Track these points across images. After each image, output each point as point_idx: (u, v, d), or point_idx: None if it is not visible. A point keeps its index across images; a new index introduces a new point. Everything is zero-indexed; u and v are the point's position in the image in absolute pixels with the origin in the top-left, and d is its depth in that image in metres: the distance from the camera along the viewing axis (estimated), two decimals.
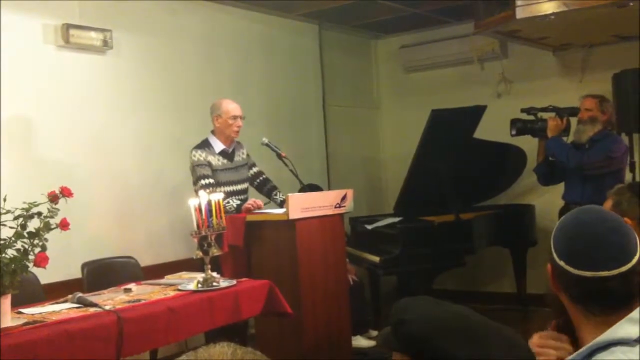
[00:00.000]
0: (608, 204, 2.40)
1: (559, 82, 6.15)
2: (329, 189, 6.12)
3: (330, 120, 6.64)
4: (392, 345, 1.16)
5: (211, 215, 3.52)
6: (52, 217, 2.83)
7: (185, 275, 3.94)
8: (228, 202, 4.29)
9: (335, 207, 4.35)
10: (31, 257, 2.77)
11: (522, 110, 5.19)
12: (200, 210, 3.47)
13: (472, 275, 6.40)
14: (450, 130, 5.26)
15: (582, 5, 4.48)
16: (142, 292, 3.49)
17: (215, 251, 3.55)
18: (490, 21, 5.01)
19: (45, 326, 2.79)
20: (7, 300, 2.73)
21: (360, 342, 5.21)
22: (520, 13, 4.61)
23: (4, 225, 2.74)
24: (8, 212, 2.73)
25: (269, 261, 4.20)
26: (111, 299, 3.30)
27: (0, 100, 4.04)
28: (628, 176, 4.97)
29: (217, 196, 3.62)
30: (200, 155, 4.42)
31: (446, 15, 6.37)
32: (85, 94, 4.53)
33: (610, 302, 1.40)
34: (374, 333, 5.47)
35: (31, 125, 4.25)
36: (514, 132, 5.25)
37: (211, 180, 4.37)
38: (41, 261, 2.77)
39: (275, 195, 4.74)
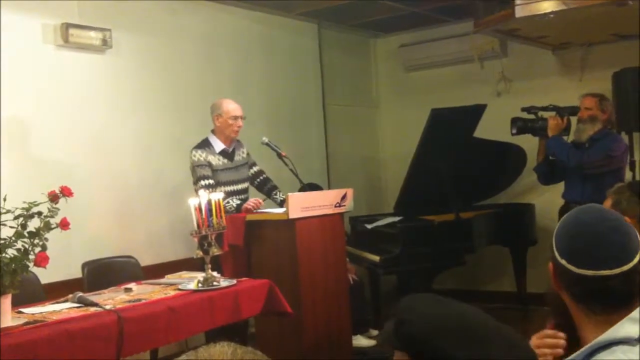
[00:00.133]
0: (608, 203, 2.41)
1: (558, 81, 6.15)
2: (329, 188, 6.12)
3: (330, 119, 6.64)
4: (393, 344, 1.16)
5: (211, 215, 3.52)
6: (52, 216, 2.83)
7: (185, 274, 3.94)
8: (228, 202, 4.29)
9: (335, 207, 4.36)
10: (31, 256, 2.77)
11: (523, 109, 5.19)
12: (200, 209, 3.48)
13: (472, 274, 6.40)
14: (450, 129, 5.26)
15: (582, 4, 4.48)
16: (142, 291, 3.49)
17: (215, 250, 3.55)
18: (490, 20, 5.02)
19: (46, 326, 2.79)
20: (7, 300, 2.74)
21: (360, 341, 5.22)
22: (519, 12, 4.61)
23: (4, 225, 2.74)
24: (8, 211, 2.73)
25: (269, 261, 4.20)
26: (111, 299, 3.30)
27: (0, 99, 4.04)
28: (628, 175, 4.97)
29: (217, 195, 3.62)
30: (200, 156, 4.42)
31: (445, 14, 6.37)
32: (84, 94, 4.53)
33: (611, 301, 1.40)
34: (374, 332, 5.48)
35: (31, 125, 4.24)
36: (514, 131, 5.24)
37: (211, 181, 4.37)
38: (41, 261, 2.77)
39: (275, 194, 4.74)
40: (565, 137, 4.97)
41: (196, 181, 4.41)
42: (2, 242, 2.73)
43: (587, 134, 4.77)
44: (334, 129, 6.67)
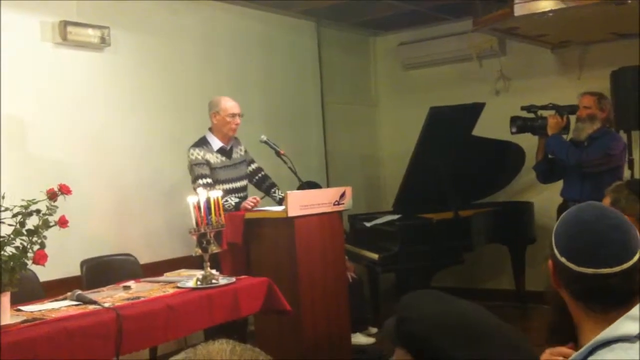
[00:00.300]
0: (606, 201, 2.41)
1: (557, 80, 6.15)
2: (328, 186, 6.12)
3: (329, 117, 6.64)
4: (394, 340, 1.17)
5: (210, 213, 3.52)
6: (51, 214, 2.83)
7: (184, 272, 3.94)
8: (227, 201, 4.28)
9: (334, 205, 4.36)
10: (30, 254, 2.77)
11: (522, 108, 5.18)
12: (199, 207, 3.48)
13: (471, 273, 6.41)
14: (449, 127, 5.26)
15: (581, 3, 4.48)
16: (141, 289, 3.49)
17: (214, 248, 3.55)
18: (489, 18, 5.02)
19: (45, 324, 2.79)
20: (6, 298, 2.74)
21: (359, 339, 5.22)
22: (518, 10, 4.61)
23: (3, 222, 2.74)
24: (7, 209, 2.72)
25: (268, 259, 4.20)
26: (110, 297, 3.30)
27: None
28: (626, 173, 4.97)
29: (216, 193, 3.62)
30: (198, 154, 4.41)
31: (444, 12, 6.37)
32: (83, 92, 4.53)
33: (611, 300, 1.39)
34: (373, 330, 5.48)
35: (29, 123, 4.24)
36: (514, 130, 5.23)
37: (209, 180, 4.37)
38: (40, 259, 2.77)
39: (274, 192, 4.74)
40: (564, 136, 4.98)
41: (194, 180, 4.40)
42: (0, 239, 2.72)
43: (586, 132, 4.77)
44: (332, 127, 6.67)
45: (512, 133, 5.27)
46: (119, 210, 4.72)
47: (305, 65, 6.43)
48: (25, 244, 2.76)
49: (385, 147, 7.30)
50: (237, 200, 4.41)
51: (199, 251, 3.51)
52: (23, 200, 2.78)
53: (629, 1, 4.33)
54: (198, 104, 5.00)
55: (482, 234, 5.37)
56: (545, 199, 5.75)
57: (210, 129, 4.55)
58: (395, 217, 5.43)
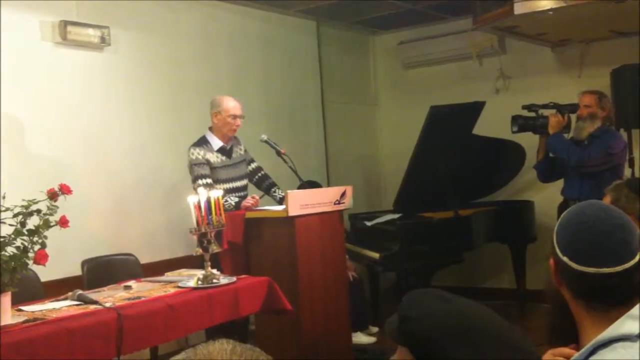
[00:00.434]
0: (606, 201, 2.40)
1: (557, 78, 6.15)
2: (328, 185, 6.12)
3: (329, 116, 6.64)
4: (395, 339, 1.17)
5: (210, 212, 3.52)
6: (51, 214, 2.83)
7: (185, 272, 3.94)
8: (226, 201, 4.28)
9: (335, 204, 4.35)
10: (31, 254, 2.77)
11: (523, 107, 5.17)
12: (199, 207, 3.48)
13: (471, 272, 6.41)
14: (449, 126, 5.25)
15: (581, 1, 4.48)
16: (142, 289, 3.49)
17: (215, 248, 3.54)
18: (489, 17, 5.02)
19: (46, 324, 2.79)
20: (7, 298, 2.74)
21: (359, 338, 5.22)
22: (518, 9, 4.61)
23: (4, 222, 2.74)
24: (7, 209, 2.72)
25: (268, 258, 4.19)
26: (111, 296, 3.30)
27: None
28: (627, 172, 4.97)
29: (217, 193, 3.62)
30: (198, 154, 4.40)
31: (444, 11, 6.37)
32: (83, 91, 4.53)
33: (612, 299, 1.39)
34: (374, 330, 5.49)
35: (28, 123, 4.24)
36: (515, 129, 5.22)
37: (209, 180, 4.36)
38: (41, 258, 2.77)
39: (274, 192, 4.73)
40: (565, 135, 4.97)
41: (194, 180, 4.39)
42: (1, 240, 2.72)
43: (587, 131, 4.76)
44: (332, 126, 6.67)
45: (513, 132, 5.26)
46: (120, 210, 4.73)
47: (305, 65, 6.43)
48: (26, 244, 2.76)
49: (385, 146, 7.30)
50: (237, 199, 4.41)
51: (199, 251, 3.51)
52: (23, 200, 2.78)
53: None
54: (198, 104, 5.00)
55: (482, 233, 5.37)
56: (546, 198, 5.75)
57: (211, 128, 4.54)
58: (396, 216, 5.44)
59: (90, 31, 4.50)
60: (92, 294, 3.31)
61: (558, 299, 1.50)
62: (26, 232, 2.76)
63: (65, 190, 2.91)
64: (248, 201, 4.35)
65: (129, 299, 3.24)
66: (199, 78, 5.29)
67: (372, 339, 5.34)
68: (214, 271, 3.57)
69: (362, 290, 5.63)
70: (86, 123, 4.54)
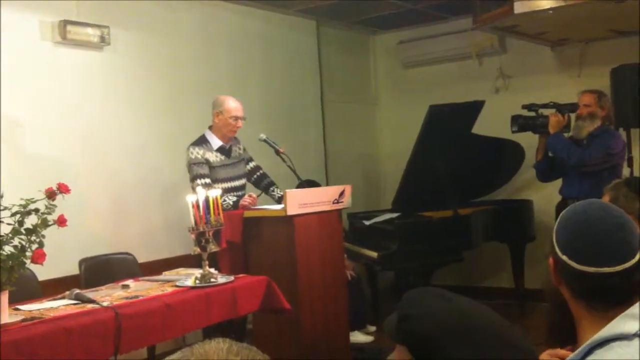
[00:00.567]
0: (605, 200, 2.40)
1: (557, 78, 6.15)
2: (327, 184, 6.12)
3: (329, 116, 6.64)
4: (394, 337, 1.16)
5: (209, 212, 3.51)
6: (49, 213, 2.82)
7: (183, 271, 3.94)
8: (225, 200, 4.27)
9: (334, 203, 4.35)
10: (28, 253, 2.76)
11: (523, 107, 5.17)
12: (198, 206, 3.47)
13: (470, 271, 6.41)
14: (448, 125, 5.25)
15: (580, 1, 4.48)
16: (139, 288, 3.48)
17: (213, 247, 3.54)
18: (489, 16, 5.01)
19: (43, 323, 2.79)
20: (4, 297, 2.73)
21: (358, 337, 5.22)
22: (518, 8, 4.61)
23: (2, 221, 2.73)
24: (5, 208, 2.72)
25: (267, 257, 4.19)
26: (109, 296, 3.29)
27: None
28: (626, 171, 4.96)
29: (215, 192, 3.61)
30: (197, 153, 4.40)
31: (444, 10, 6.36)
32: (82, 91, 4.53)
33: (611, 299, 1.39)
34: (372, 329, 5.49)
35: (28, 122, 4.23)
36: (515, 129, 5.21)
37: (207, 180, 4.35)
38: (38, 257, 2.77)
39: (273, 191, 4.73)
40: (565, 134, 4.97)
41: (192, 179, 4.38)
42: None
43: (587, 130, 4.76)
44: (332, 126, 6.67)
45: (513, 132, 5.25)
46: (118, 209, 4.72)
47: (305, 64, 6.42)
48: (23, 243, 2.76)
49: (384, 146, 7.30)
50: (235, 198, 4.40)
51: (197, 250, 3.51)
52: (21, 199, 2.78)
53: None
54: (197, 103, 4.99)
55: (481, 232, 5.37)
56: (545, 197, 5.75)
57: (210, 127, 4.54)
58: (395, 215, 5.43)
59: (90, 31, 4.50)
60: (90, 293, 3.31)
61: (557, 298, 1.50)
62: (24, 231, 2.76)
63: (63, 189, 2.90)
64: (245, 200, 4.34)
65: (126, 298, 3.23)
66: (198, 77, 5.29)
67: (369, 338, 5.34)
68: (212, 270, 3.57)
69: (361, 289, 5.63)
70: (85, 122, 4.54)
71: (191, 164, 4.39)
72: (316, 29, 6.53)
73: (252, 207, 4.33)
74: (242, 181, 4.64)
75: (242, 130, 4.63)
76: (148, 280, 3.71)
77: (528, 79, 6.30)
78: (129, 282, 3.62)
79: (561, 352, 1.62)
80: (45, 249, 2.79)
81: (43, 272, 3.55)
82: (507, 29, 5.40)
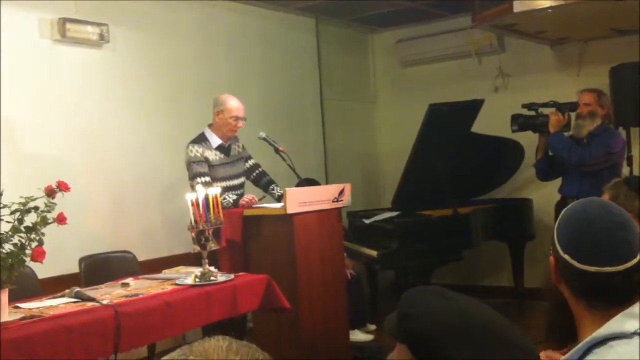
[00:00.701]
0: (605, 198, 2.40)
1: (556, 76, 6.15)
2: (327, 183, 6.12)
3: (328, 114, 6.63)
4: (394, 336, 1.16)
5: (208, 210, 3.51)
6: (49, 211, 2.82)
7: (182, 269, 3.94)
8: (225, 198, 4.27)
9: (333, 202, 4.35)
10: (28, 251, 2.76)
11: (523, 106, 5.16)
12: (197, 204, 3.47)
13: (470, 270, 6.41)
14: (447, 124, 5.25)
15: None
16: (139, 286, 3.48)
17: (213, 246, 3.54)
18: (488, 15, 5.01)
19: (43, 321, 2.78)
20: (4, 295, 2.73)
21: (357, 336, 5.22)
22: (517, 7, 4.60)
23: (1, 219, 2.73)
24: (5, 206, 2.72)
25: (267, 256, 4.19)
26: (109, 294, 3.29)
27: None
28: (625, 170, 4.97)
29: (214, 191, 3.61)
30: (197, 151, 4.39)
31: (443, 9, 6.36)
32: (81, 89, 4.52)
33: (612, 298, 1.38)
34: (372, 327, 5.49)
35: (27, 120, 4.23)
36: (515, 128, 5.21)
37: (207, 179, 4.34)
38: (38, 255, 2.76)
39: (273, 189, 4.72)
40: (565, 133, 4.97)
41: (192, 177, 4.38)
42: None
43: (587, 129, 4.76)
44: (331, 124, 6.67)
45: (513, 131, 5.25)
46: (117, 207, 4.72)
47: (304, 62, 6.42)
48: (23, 241, 2.75)
49: (384, 144, 7.30)
50: (235, 197, 4.40)
51: (197, 248, 3.51)
52: (21, 197, 2.78)
53: None
54: (196, 102, 4.99)
55: (481, 231, 5.37)
56: (545, 196, 5.75)
57: (210, 126, 4.53)
58: (394, 214, 5.43)
59: (89, 28, 4.49)
60: (90, 291, 3.30)
61: (557, 296, 1.49)
62: (24, 229, 2.75)
63: (62, 187, 2.90)
64: (244, 200, 4.34)
65: (126, 296, 3.23)
66: (197, 76, 5.28)
67: (369, 337, 5.34)
68: (212, 268, 3.57)
69: (361, 288, 5.63)
70: (85, 121, 4.54)
71: (190, 162, 4.38)
72: (315, 27, 6.53)
73: (252, 206, 4.32)
74: (241, 180, 4.63)
75: (241, 129, 4.62)
76: (148, 279, 3.71)
77: (527, 77, 6.30)
78: (129, 280, 3.62)
79: (555, 355, 1.62)
80: (45, 247, 2.79)
81: (43, 270, 3.55)
82: (506, 28, 5.40)
